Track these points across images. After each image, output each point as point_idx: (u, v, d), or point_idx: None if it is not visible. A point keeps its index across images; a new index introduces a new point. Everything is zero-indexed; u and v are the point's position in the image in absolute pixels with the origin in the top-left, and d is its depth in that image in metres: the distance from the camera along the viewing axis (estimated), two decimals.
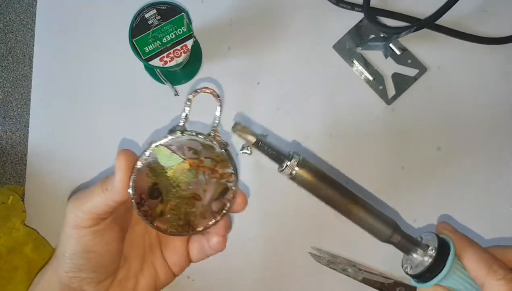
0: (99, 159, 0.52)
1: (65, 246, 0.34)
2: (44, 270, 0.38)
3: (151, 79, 0.53)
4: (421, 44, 0.53)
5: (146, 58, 0.45)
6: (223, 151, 0.32)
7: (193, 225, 0.34)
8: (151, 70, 0.53)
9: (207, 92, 0.32)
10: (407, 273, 0.35)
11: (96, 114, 0.53)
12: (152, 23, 0.46)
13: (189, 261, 0.39)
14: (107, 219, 0.34)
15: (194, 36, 0.46)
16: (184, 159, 0.32)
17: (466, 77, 0.53)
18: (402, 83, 0.53)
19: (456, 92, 0.53)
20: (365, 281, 0.49)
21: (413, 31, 0.50)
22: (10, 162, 0.54)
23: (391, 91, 0.53)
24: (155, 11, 0.46)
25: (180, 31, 0.46)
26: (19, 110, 0.54)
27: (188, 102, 0.32)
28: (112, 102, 0.54)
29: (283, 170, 0.32)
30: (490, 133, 0.52)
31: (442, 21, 0.51)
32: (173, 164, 0.32)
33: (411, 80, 0.53)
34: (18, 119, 0.54)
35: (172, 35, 0.46)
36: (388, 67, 0.53)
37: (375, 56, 0.53)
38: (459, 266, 0.33)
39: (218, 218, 0.34)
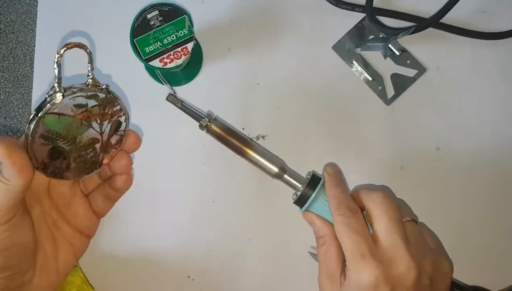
0: None
1: None
2: None
3: (151, 79, 0.53)
4: (420, 45, 0.53)
5: (146, 59, 0.46)
6: (107, 94, 0.35)
7: (99, 161, 0.37)
8: (151, 70, 0.53)
9: (72, 47, 0.33)
10: (293, 202, 0.44)
11: None
12: (154, 24, 0.46)
13: (98, 217, 0.41)
14: (20, 209, 0.33)
15: (195, 39, 0.47)
16: (74, 116, 0.34)
17: (465, 77, 0.53)
18: (401, 83, 0.53)
19: (455, 93, 0.53)
20: None
21: (412, 33, 0.50)
22: None
23: (390, 91, 0.53)
24: (157, 12, 0.46)
25: (181, 33, 0.46)
26: (20, 110, 0.54)
27: (56, 63, 0.32)
28: None
29: (200, 125, 0.44)
30: (490, 133, 0.52)
31: (442, 20, 0.51)
32: (64, 125, 0.33)
33: (410, 81, 0.53)
34: (19, 119, 0.54)
35: (173, 37, 0.46)
36: (387, 67, 0.53)
37: (374, 56, 0.54)
38: (325, 198, 0.42)
39: (118, 147, 0.38)
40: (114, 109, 0.36)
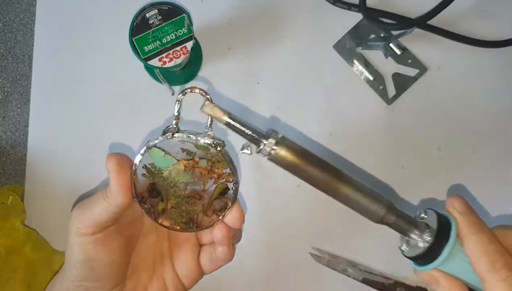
0: (99, 158, 0.51)
1: (70, 254, 0.34)
2: (55, 278, 0.38)
3: (151, 78, 0.53)
4: (421, 44, 0.53)
5: (145, 58, 0.45)
6: (218, 150, 0.32)
7: (196, 222, 0.34)
8: (150, 70, 0.53)
9: (196, 92, 0.31)
10: (403, 254, 0.32)
11: (96, 113, 0.53)
12: (153, 23, 0.45)
13: (201, 272, 0.38)
14: (110, 228, 0.34)
15: (195, 38, 0.46)
16: (178, 160, 0.32)
17: (467, 77, 0.53)
18: (402, 83, 0.53)
19: (456, 92, 0.53)
20: (365, 281, 0.49)
21: (406, 28, 0.50)
22: (10, 162, 0.53)
23: (391, 91, 0.53)
24: (156, 11, 0.46)
25: (180, 32, 0.46)
26: (18, 110, 0.54)
27: (178, 102, 0.32)
28: (112, 101, 0.53)
29: (260, 150, 0.29)
30: (490, 133, 0.52)
31: (439, 22, 0.51)
32: (168, 165, 0.32)
33: (411, 80, 0.53)
34: (18, 119, 0.54)
35: (172, 36, 0.46)
36: (388, 67, 0.53)
37: (375, 56, 0.53)
38: (462, 251, 0.30)
39: (221, 216, 0.34)
40: (224, 171, 0.33)
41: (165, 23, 0.46)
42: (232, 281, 0.51)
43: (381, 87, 0.53)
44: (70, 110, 0.54)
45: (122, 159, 0.32)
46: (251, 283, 0.51)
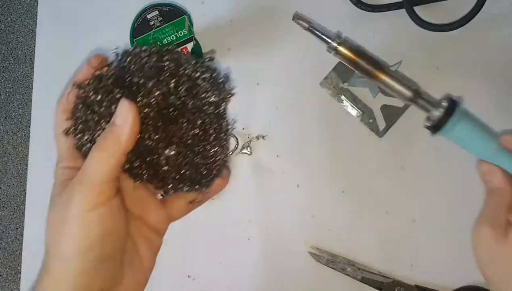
0: None
1: (67, 246, 0.29)
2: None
3: None
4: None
5: None
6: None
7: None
8: None
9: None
10: (425, 127, 0.39)
11: None
12: (154, 24, 0.46)
13: (171, 219, 0.36)
14: (117, 188, 0.31)
15: (195, 39, 0.47)
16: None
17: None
18: (391, 114, 0.52)
19: None
20: (365, 280, 0.49)
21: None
22: (11, 162, 0.54)
23: (381, 123, 0.52)
24: (157, 12, 0.46)
25: (181, 33, 0.46)
26: (20, 110, 0.55)
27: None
28: None
29: (329, 46, 0.38)
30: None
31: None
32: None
33: (400, 111, 0.52)
34: (20, 119, 0.54)
35: (172, 37, 0.46)
36: (376, 99, 0.52)
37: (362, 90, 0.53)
38: (475, 126, 0.37)
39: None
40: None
41: (166, 24, 0.46)
42: (232, 281, 0.51)
43: (371, 121, 0.53)
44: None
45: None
46: (251, 283, 0.51)
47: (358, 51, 0.39)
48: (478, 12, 0.48)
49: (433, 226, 0.50)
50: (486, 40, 0.52)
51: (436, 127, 0.37)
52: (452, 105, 0.37)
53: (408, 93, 0.38)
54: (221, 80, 0.34)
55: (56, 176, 0.32)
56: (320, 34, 0.39)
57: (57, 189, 0.31)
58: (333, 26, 0.53)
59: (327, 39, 0.39)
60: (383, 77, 0.39)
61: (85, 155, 0.31)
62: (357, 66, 0.39)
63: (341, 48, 0.38)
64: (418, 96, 0.38)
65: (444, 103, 0.37)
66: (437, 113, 0.37)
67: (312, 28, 0.39)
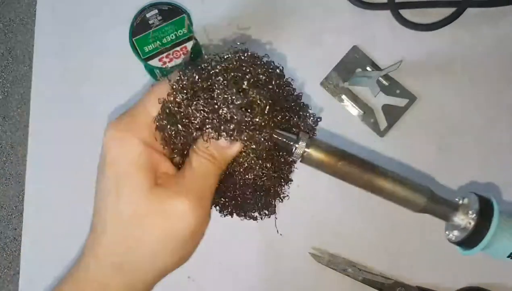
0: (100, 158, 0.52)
1: (151, 247, 0.28)
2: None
3: (151, 78, 0.53)
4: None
5: (145, 58, 0.46)
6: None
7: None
8: (150, 70, 0.53)
9: None
10: (450, 241, 0.31)
11: (96, 113, 0.53)
12: (153, 23, 0.46)
13: None
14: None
15: (195, 38, 0.46)
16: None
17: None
18: (393, 114, 0.52)
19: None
20: (365, 281, 0.49)
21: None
22: (10, 162, 0.54)
23: (383, 123, 0.52)
24: (156, 11, 0.46)
25: (180, 32, 0.46)
26: (19, 110, 0.54)
27: None
28: (112, 101, 0.53)
29: (292, 154, 0.30)
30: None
31: None
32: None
33: (401, 110, 0.52)
34: (18, 119, 0.54)
35: (172, 36, 0.46)
36: (377, 99, 0.52)
37: (364, 88, 0.52)
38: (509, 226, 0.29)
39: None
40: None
41: (165, 23, 0.46)
42: (232, 281, 0.51)
43: (372, 120, 0.52)
44: (70, 110, 0.54)
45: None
46: (251, 283, 0.51)
47: (341, 154, 0.30)
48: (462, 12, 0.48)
49: (434, 226, 0.49)
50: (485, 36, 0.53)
51: (471, 240, 0.29)
52: (486, 206, 0.29)
53: (422, 201, 0.30)
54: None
55: (130, 150, 0.29)
56: (282, 138, 0.30)
57: (141, 171, 0.29)
58: (332, 23, 0.53)
59: (288, 141, 0.30)
60: (385, 184, 0.30)
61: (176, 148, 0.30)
62: (339, 173, 0.30)
63: (312, 151, 0.30)
64: (434, 202, 0.30)
65: (473, 208, 0.29)
66: (464, 220, 0.29)
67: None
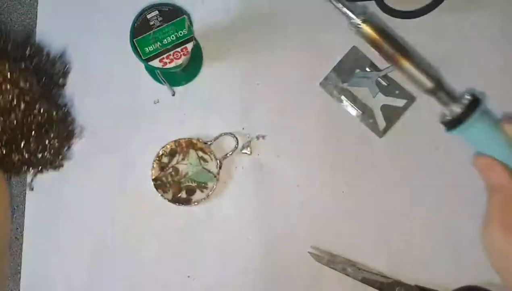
0: (100, 157, 0.52)
1: None
2: None
3: (151, 78, 0.54)
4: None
5: (146, 59, 0.46)
6: None
7: None
8: (151, 70, 0.53)
9: None
10: (440, 121, 0.36)
11: (96, 113, 0.54)
12: (154, 24, 0.46)
13: None
14: None
15: (195, 39, 0.47)
16: None
17: None
18: (392, 114, 0.52)
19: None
20: (365, 280, 0.49)
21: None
22: None
23: (382, 123, 0.52)
24: (157, 12, 0.46)
25: (181, 33, 0.46)
26: None
27: None
28: (112, 100, 0.54)
29: (350, 23, 0.35)
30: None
31: None
32: None
33: (400, 111, 0.52)
34: None
35: (173, 37, 0.46)
36: (376, 99, 0.52)
37: (363, 89, 0.52)
38: (493, 126, 0.34)
39: None
40: None
41: (166, 24, 0.46)
42: (232, 281, 0.51)
43: (371, 120, 0.52)
44: (70, 110, 0.54)
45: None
46: (251, 282, 0.51)
47: (383, 32, 0.35)
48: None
49: (433, 226, 0.50)
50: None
51: (453, 123, 0.35)
52: (474, 102, 0.35)
53: (429, 84, 0.35)
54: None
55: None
56: (341, 7, 0.34)
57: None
58: (331, 24, 0.53)
59: (350, 14, 0.34)
60: (406, 63, 0.35)
61: None
62: (380, 48, 0.35)
63: (364, 26, 0.34)
64: (439, 88, 0.35)
65: (466, 100, 0.35)
66: (456, 109, 0.35)
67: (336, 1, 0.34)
